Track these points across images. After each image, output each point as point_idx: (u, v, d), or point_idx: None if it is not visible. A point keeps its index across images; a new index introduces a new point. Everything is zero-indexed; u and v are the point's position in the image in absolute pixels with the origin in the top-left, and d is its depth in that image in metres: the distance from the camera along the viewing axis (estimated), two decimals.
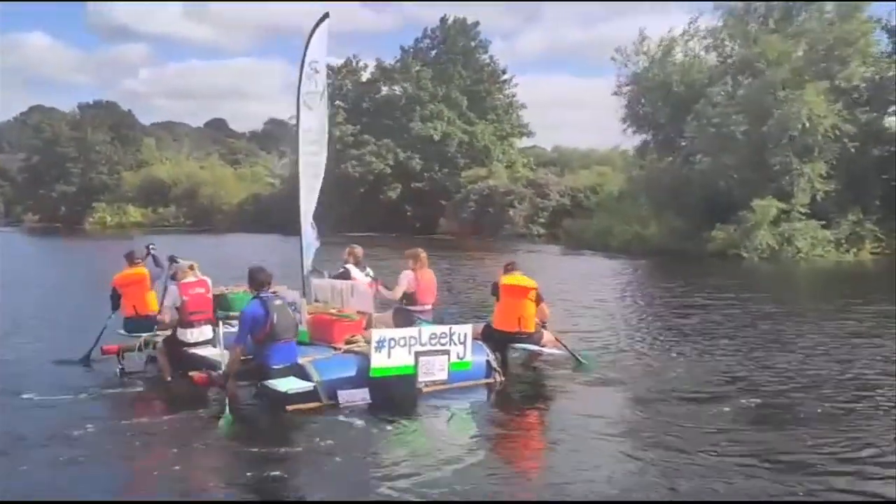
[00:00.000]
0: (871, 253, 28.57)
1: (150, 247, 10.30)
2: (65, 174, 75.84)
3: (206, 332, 8.55)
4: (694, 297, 17.48)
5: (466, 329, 8.39)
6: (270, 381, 7.36)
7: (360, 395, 7.54)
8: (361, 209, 56.40)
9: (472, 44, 63.72)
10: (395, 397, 7.70)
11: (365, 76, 64.36)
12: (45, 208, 77.33)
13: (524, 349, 9.39)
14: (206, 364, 8.17)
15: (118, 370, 9.07)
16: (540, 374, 9.34)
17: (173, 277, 8.93)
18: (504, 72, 63.88)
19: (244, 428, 7.06)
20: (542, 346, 9.38)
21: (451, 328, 8.30)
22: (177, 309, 8.59)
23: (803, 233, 28.26)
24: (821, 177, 28.60)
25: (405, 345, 7.87)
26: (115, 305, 9.71)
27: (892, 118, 31.25)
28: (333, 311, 9.20)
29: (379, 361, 7.72)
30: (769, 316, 14.28)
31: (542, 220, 47.75)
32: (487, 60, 63.79)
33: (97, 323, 9.94)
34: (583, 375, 9.07)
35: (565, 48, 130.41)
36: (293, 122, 11.51)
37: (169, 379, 8.58)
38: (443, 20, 63.88)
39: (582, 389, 8.61)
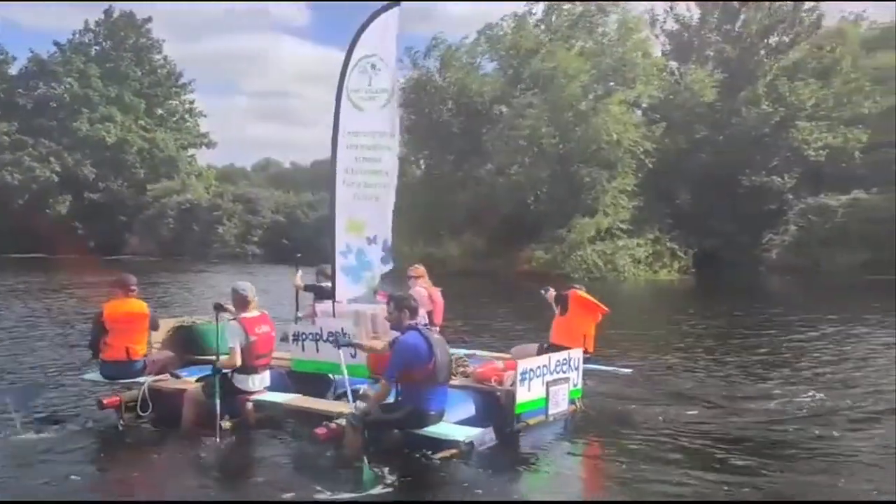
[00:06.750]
0: (678, 272, 29.85)
1: (175, 375, 7.82)
2: None
3: (266, 378, 7.28)
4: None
5: (579, 353, 7.80)
6: (428, 428, 6.34)
7: (489, 436, 6.54)
8: (22, 225, 47.58)
9: (144, 41, 57.78)
10: (513, 433, 7.04)
11: (14, 69, 54.64)
12: None
13: (589, 370, 8.38)
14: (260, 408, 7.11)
15: (119, 425, 7.44)
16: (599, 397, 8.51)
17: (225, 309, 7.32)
18: (182, 74, 58.89)
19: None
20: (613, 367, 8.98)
21: (569, 353, 7.65)
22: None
23: (623, 251, 28.84)
24: (624, 193, 29.37)
25: (539, 375, 7.24)
26: (96, 343, 7.56)
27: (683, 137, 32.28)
28: None
29: (523, 396, 7.00)
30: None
31: (255, 240, 45.27)
32: (162, 61, 58.32)
33: None
34: (654, 394, 8.77)
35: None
36: None
37: (218, 439, 6.75)
38: (107, 13, 56.86)
39: (663, 407, 8.14)
